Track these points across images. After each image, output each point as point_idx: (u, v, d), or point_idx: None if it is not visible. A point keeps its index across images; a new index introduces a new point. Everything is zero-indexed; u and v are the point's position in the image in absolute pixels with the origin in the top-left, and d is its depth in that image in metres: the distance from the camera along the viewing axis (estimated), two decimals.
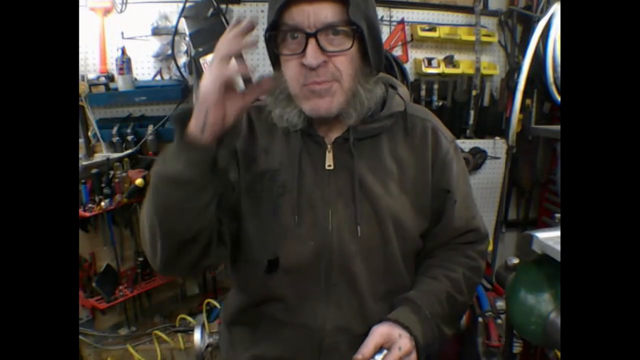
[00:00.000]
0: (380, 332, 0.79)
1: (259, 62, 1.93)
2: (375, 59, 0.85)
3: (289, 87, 0.84)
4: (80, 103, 1.84)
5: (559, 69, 1.94)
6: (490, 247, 2.30)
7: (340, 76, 0.80)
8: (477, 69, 2.17)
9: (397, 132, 0.92)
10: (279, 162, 0.90)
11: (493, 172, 2.30)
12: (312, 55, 0.76)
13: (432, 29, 2.15)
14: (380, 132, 0.90)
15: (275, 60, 0.86)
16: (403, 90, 0.96)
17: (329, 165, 0.88)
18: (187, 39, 1.80)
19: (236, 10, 1.96)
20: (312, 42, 0.76)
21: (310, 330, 0.88)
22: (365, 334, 0.81)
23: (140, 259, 1.97)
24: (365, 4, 0.80)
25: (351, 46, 0.78)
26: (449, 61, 2.19)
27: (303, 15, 0.76)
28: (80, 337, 1.88)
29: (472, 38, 2.17)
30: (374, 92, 0.87)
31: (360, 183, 0.87)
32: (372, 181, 0.88)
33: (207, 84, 0.71)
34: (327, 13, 0.76)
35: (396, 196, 0.89)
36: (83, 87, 1.82)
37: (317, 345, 0.88)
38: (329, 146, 0.89)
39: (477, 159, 2.22)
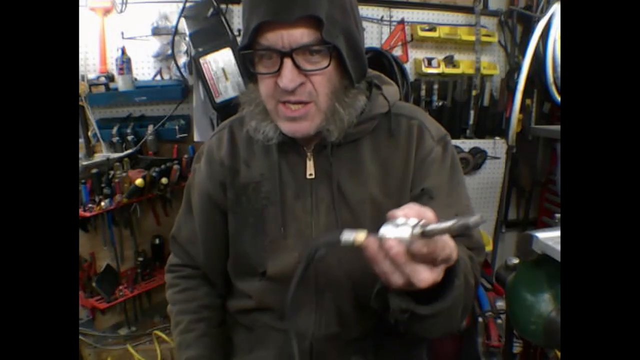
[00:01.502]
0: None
1: None
2: (356, 71, 0.80)
3: (264, 102, 0.82)
4: (80, 103, 1.83)
5: (559, 69, 1.94)
6: (490, 247, 2.29)
7: (317, 96, 0.77)
8: (477, 69, 2.17)
9: (381, 134, 0.88)
10: (259, 173, 0.89)
11: (493, 172, 2.29)
12: (288, 77, 0.74)
13: (432, 29, 2.15)
14: (360, 136, 0.87)
15: (249, 74, 0.84)
16: (389, 89, 0.90)
17: (310, 174, 0.87)
18: (187, 39, 1.79)
19: (236, 10, 1.95)
20: (287, 62, 0.73)
21: (300, 337, 0.87)
22: (354, 339, 0.81)
23: (140, 259, 1.97)
24: (343, 16, 0.76)
25: (328, 64, 0.75)
26: (449, 61, 2.18)
27: (277, 37, 0.73)
28: (80, 337, 1.88)
29: (472, 38, 2.16)
30: (355, 105, 0.83)
31: (339, 190, 0.85)
32: (352, 187, 0.85)
33: None
34: (302, 34, 0.73)
35: (378, 201, 0.85)
36: (83, 87, 1.82)
37: (307, 352, 0.87)
38: (308, 154, 0.87)
39: (477, 159, 2.22)
